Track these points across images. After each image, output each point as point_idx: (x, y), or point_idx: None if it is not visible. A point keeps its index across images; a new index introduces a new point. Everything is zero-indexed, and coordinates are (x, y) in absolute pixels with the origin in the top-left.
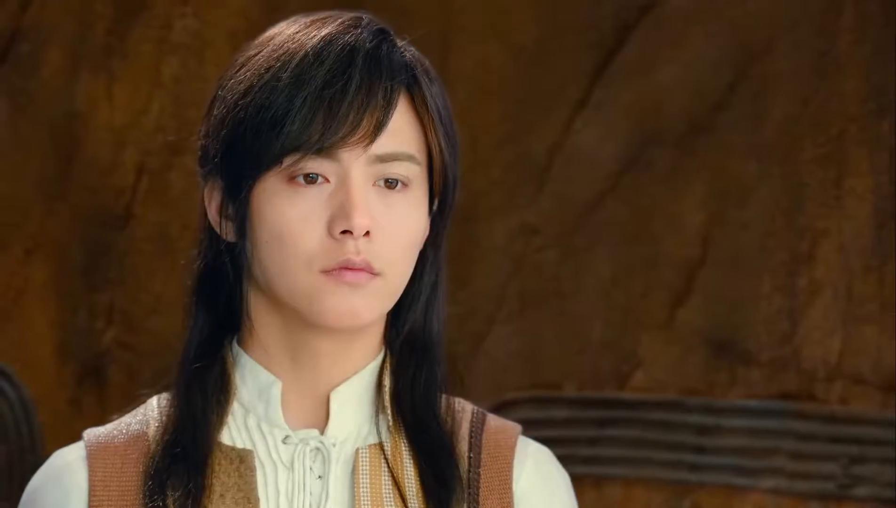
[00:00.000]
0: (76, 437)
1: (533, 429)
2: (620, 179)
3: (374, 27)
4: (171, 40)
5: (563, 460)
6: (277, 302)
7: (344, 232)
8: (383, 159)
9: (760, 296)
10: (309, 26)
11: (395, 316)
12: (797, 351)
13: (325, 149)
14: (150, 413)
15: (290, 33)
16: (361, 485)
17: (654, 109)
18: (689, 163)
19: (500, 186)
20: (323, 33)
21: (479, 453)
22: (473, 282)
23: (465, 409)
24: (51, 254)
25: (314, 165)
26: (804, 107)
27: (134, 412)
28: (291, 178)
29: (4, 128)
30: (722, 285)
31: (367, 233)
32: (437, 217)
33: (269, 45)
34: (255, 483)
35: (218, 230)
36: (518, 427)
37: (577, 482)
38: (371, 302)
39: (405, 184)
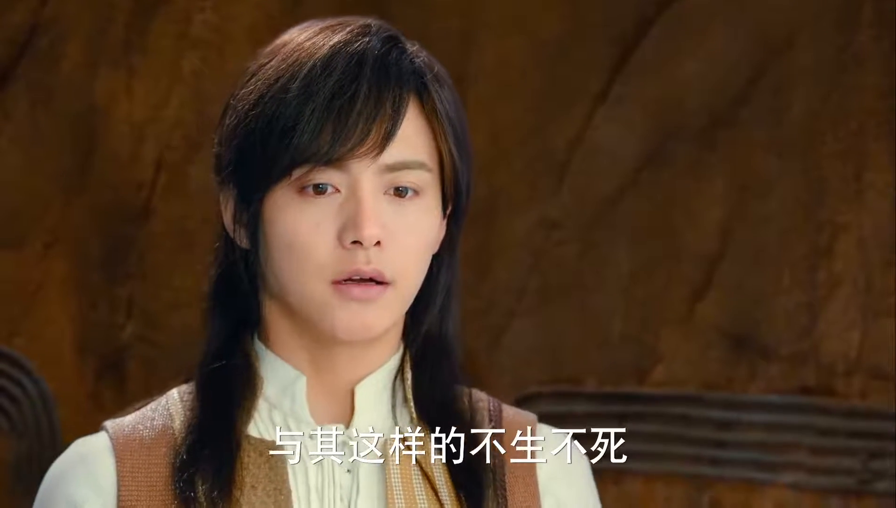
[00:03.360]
0: (96, 431)
1: (553, 424)
2: (641, 174)
3: (384, 34)
4: (190, 35)
5: None
6: (291, 311)
7: (354, 242)
8: (393, 168)
9: (780, 291)
10: (318, 34)
11: (412, 318)
12: (817, 346)
13: (334, 161)
14: (173, 406)
15: (300, 42)
16: (392, 477)
17: (675, 104)
18: (710, 158)
19: (521, 180)
20: (332, 42)
21: (501, 441)
22: (494, 276)
23: (481, 399)
24: (70, 249)
25: (324, 176)
26: (824, 102)
27: (154, 404)
28: (302, 189)
29: (24, 122)
30: (742, 279)
31: (378, 242)
32: (451, 222)
33: (279, 54)
34: (287, 474)
35: (233, 236)
36: (534, 415)
37: (597, 476)
38: (382, 314)
39: (416, 192)
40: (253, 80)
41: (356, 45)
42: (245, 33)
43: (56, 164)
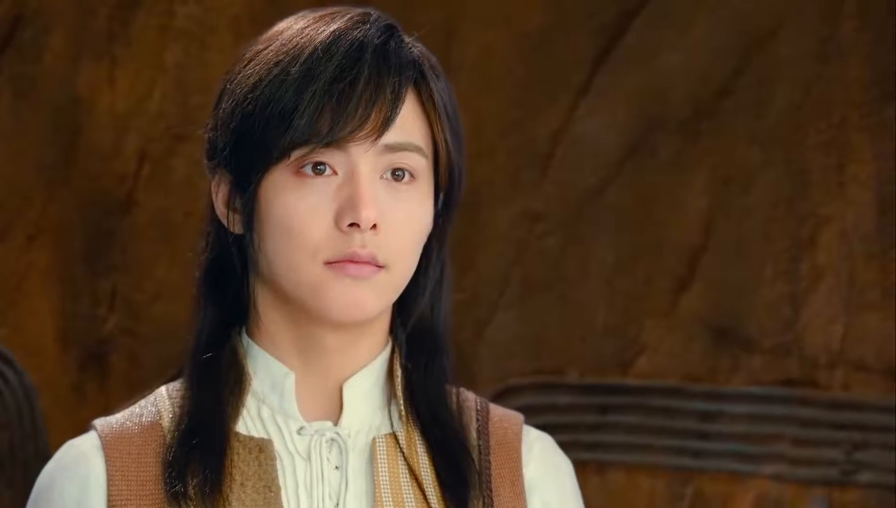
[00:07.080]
0: (79, 423)
1: (536, 415)
2: (624, 165)
3: (383, 23)
4: (173, 26)
5: (566, 446)
6: (284, 296)
7: (351, 224)
8: (393, 149)
9: (763, 283)
10: (317, 21)
11: (400, 311)
12: (800, 338)
13: (333, 142)
14: (162, 403)
15: (299, 28)
16: (381, 475)
17: (658, 95)
18: (693, 150)
19: (504, 172)
20: (332, 28)
21: (488, 442)
22: (476, 268)
23: (468, 399)
24: (53, 240)
25: (323, 156)
26: (807, 94)
27: (143, 402)
28: (299, 170)
29: (7, 114)
30: (725, 271)
31: (374, 225)
32: (443, 212)
33: (277, 40)
34: (276, 472)
35: (225, 222)
36: (521, 416)
37: (580, 468)
38: (374, 295)
39: (412, 176)
40: (251, 64)
41: (356, 32)
42: (228, 25)
43: (39, 156)
